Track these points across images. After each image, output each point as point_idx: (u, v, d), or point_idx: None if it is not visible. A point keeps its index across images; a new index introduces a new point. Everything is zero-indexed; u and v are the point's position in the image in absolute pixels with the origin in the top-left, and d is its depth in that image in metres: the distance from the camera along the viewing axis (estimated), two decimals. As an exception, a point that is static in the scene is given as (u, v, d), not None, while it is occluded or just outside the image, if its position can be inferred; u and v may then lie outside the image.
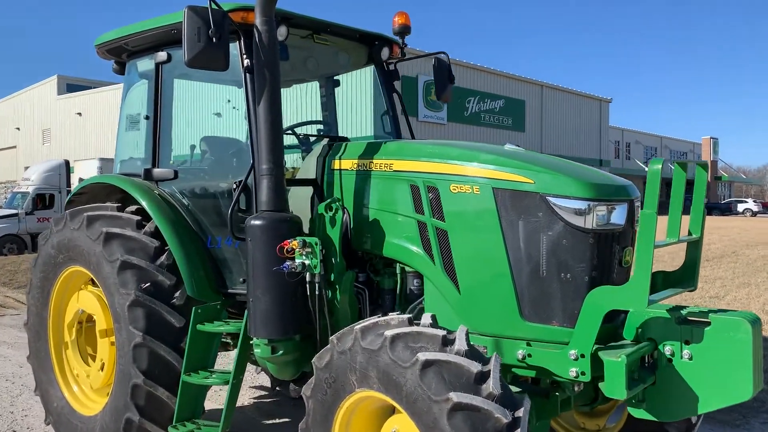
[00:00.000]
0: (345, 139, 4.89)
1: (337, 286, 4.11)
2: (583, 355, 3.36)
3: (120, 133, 5.56)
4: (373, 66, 5.69)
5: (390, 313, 3.47)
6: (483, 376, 2.93)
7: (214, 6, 3.93)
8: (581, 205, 3.43)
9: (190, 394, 4.49)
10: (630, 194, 3.64)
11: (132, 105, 5.49)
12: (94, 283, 5.25)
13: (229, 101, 6.03)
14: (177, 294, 4.58)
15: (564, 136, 47.20)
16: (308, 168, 4.61)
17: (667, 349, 3.38)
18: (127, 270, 4.53)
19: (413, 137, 5.76)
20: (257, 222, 4.00)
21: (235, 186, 4.40)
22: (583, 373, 3.37)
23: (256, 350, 4.13)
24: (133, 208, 4.96)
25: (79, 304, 5.17)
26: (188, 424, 4.45)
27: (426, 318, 3.30)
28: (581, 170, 3.69)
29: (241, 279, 4.61)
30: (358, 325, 3.31)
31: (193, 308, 4.49)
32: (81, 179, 28.68)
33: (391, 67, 5.67)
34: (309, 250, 3.94)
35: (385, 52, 5.40)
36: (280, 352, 4.08)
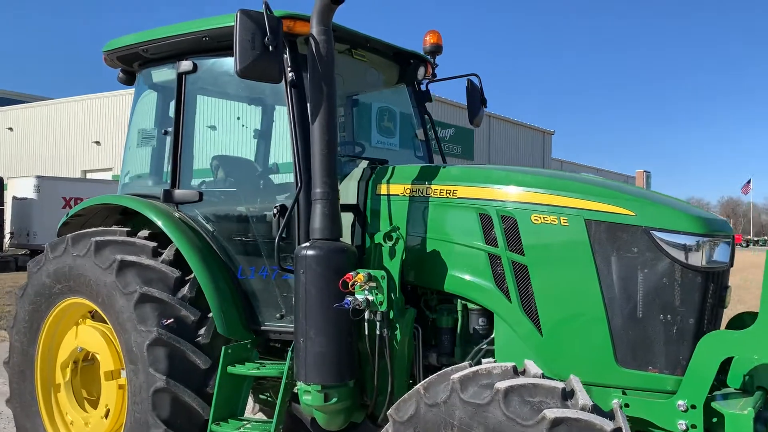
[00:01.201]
0: (384, 162, 4.52)
1: (397, 325, 3.69)
2: (694, 406, 3.05)
3: (128, 148, 5.00)
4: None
5: (485, 360, 3.06)
6: (616, 435, 2.58)
7: (268, 11, 3.53)
8: (691, 240, 3.16)
9: (218, 447, 3.94)
10: (730, 230, 3.40)
11: (142, 118, 4.95)
12: (93, 317, 4.67)
13: (238, 119, 5.58)
14: (202, 331, 4.05)
15: (510, 165, 47.83)
16: (347, 192, 4.18)
17: None
18: (146, 304, 3.98)
19: (444, 161, 5.43)
20: (312, 252, 3.55)
21: (275, 211, 3.95)
22: (693, 426, 3.06)
23: (305, 398, 3.64)
24: (145, 233, 4.41)
25: (77, 341, 4.55)
26: None
27: (532, 367, 2.93)
28: (680, 203, 3.43)
29: (277, 315, 4.13)
30: (455, 375, 2.90)
31: (223, 348, 3.98)
32: (15, 198, 27.11)
33: (423, 87, 5.34)
34: (374, 284, 3.52)
35: (421, 72, 5.07)
36: (334, 399, 3.61)
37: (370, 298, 3.51)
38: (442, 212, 3.85)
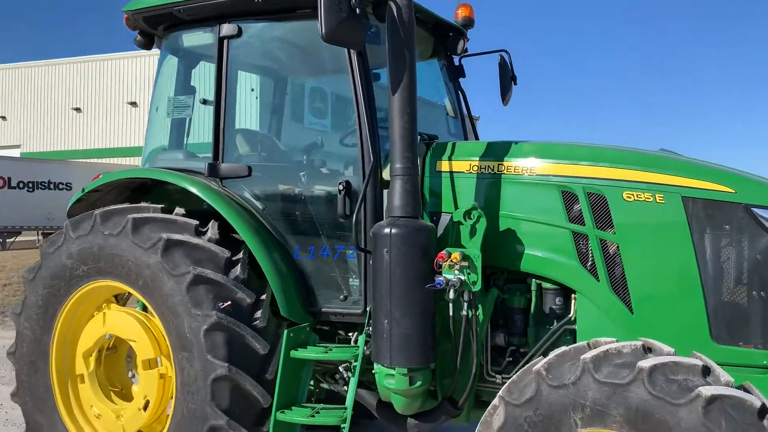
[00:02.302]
0: (434, 137, 4.36)
1: (479, 306, 3.57)
2: (796, 381, 3.10)
3: (152, 118, 4.60)
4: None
5: (603, 340, 2.99)
6: (764, 411, 2.57)
7: None
8: None
9: (282, 437, 3.71)
10: None
11: (169, 87, 4.56)
12: (117, 301, 4.31)
13: (252, 90, 5.27)
14: (258, 314, 3.78)
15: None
16: None
17: None
18: (200, 286, 3.68)
19: (477, 139, 5.33)
20: (396, 230, 3.37)
21: (341, 188, 3.74)
22: (794, 401, 3.10)
23: (388, 381, 3.47)
24: (181, 210, 4.07)
25: (105, 327, 4.16)
26: None
27: (661, 345, 2.88)
28: None
29: (341, 297, 3.92)
30: (586, 355, 2.81)
31: (285, 331, 3.74)
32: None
33: (456, 62, 5.19)
34: (466, 264, 3.38)
35: (460, 45, 4.92)
36: (419, 382, 3.46)
37: (462, 277, 3.37)
38: (517, 190, 3.74)
